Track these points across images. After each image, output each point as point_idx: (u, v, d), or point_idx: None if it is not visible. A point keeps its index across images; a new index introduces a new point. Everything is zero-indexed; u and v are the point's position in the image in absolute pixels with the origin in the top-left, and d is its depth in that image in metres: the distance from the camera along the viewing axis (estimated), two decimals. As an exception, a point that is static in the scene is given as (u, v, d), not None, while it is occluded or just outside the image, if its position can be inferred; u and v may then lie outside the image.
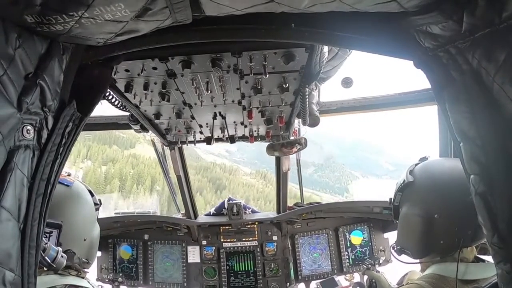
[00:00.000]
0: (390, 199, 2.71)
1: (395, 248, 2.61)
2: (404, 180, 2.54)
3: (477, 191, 1.50)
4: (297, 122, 3.71)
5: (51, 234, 2.28)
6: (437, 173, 2.43)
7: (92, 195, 2.75)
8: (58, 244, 2.28)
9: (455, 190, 2.23)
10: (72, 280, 2.42)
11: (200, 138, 3.92)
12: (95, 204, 2.75)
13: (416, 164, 2.59)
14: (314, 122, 3.32)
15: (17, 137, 1.40)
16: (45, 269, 2.18)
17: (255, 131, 3.74)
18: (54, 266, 2.17)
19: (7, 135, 1.33)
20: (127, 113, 3.38)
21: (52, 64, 1.53)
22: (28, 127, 1.45)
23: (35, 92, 1.44)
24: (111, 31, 1.46)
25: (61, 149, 1.64)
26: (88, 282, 2.56)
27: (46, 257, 2.12)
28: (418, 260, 2.54)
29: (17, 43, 1.34)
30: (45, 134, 1.56)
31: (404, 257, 2.60)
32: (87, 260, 2.60)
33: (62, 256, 2.22)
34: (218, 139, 3.96)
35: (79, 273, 2.56)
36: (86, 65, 1.87)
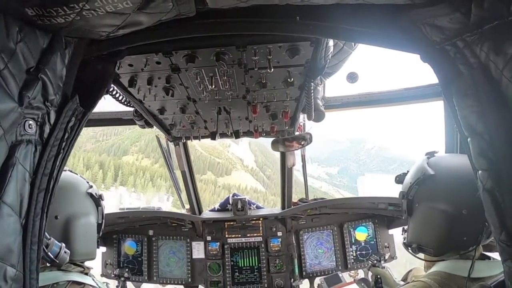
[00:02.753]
0: (402, 192, 2.59)
1: (412, 246, 2.48)
2: (424, 173, 2.42)
3: (484, 187, 1.47)
4: (302, 118, 3.70)
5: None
6: (462, 167, 2.30)
7: (90, 186, 2.74)
8: None
9: None
10: (75, 276, 2.41)
11: (205, 134, 3.90)
12: (91, 195, 2.70)
13: (428, 158, 2.51)
14: (319, 118, 3.30)
15: (18, 131, 1.39)
16: (48, 264, 2.18)
17: (260, 126, 3.72)
18: (57, 261, 2.17)
19: (8, 130, 1.32)
20: (132, 109, 3.37)
21: (54, 58, 1.52)
22: (30, 122, 1.45)
23: (37, 87, 1.43)
24: (113, 24, 1.45)
25: (64, 144, 1.63)
26: (93, 279, 2.55)
27: (49, 253, 2.12)
28: (436, 258, 2.41)
29: (18, 37, 1.33)
30: (47, 129, 1.55)
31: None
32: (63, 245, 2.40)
33: (65, 252, 2.22)
34: (223, 135, 3.94)
35: (83, 269, 2.56)
36: (89, 60, 1.86)
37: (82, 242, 2.56)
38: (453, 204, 2.24)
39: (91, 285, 2.45)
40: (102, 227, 2.81)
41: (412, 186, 2.48)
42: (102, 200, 2.78)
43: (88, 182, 2.77)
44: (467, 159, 2.32)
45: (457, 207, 2.22)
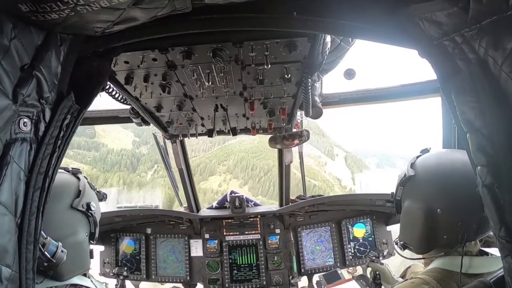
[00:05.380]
0: (392, 193, 2.66)
1: (398, 243, 2.56)
2: (405, 174, 2.48)
3: (484, 183, 1.46)
4: (299, 114, 3.69)
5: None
6: (438, 166, 2.37)
7: (77, 195, 2.48)
8: None
9: (457, 184, 2.19)
10: (75, 278, 2.38)
11: (202, 131, 3.90)
12: (76, 209, 2.47)
13: (418, 157, 2.53)
14: (316, 114, 3.30)
15: (13, 129, 1.38)
16: (45, 264, 2.15)
17: (257, 123, 3.72)
18: (54, 261, 2.15)
19: (3, 128, 1.30)
20: (128, 106, 3.36)
21: (49, 55, 1.50)
22: (25, 120, 1.43)
23: (31, 84, 1.41)
24: (108, 20, 1.43)
25: (59, 142, 1.61)
26: (91, 280, 2.52)
27: (45, 252, 2.10)
28: (421, 256, 2.49)
29: (12, 34, 1.31)
30: (42, 127, 1.53)
31: (407, 252, 2.56)
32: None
33: (62, 251, 2.19)
34: (220, 132, 3.95)
35: None
36: (84, 57, 1.84)
37: (71, 263, 2.33)
38: (428, 204, 2.29)
39: (89, 287, 2.43)
40: (96, 235, 2.61)
41: (398, 187, 2.56)
42: (91, 210, 2.53)
43: (79, 183, 2.55)
44: (450, 157, 2.38)
45: (432, 206, 2.27)
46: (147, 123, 3.60)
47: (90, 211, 2.51)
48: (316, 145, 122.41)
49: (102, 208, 2.83)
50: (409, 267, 3.06)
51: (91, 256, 2.61)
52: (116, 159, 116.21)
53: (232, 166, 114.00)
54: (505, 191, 1.40)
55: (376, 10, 1.65)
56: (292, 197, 5.53)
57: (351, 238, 5.38)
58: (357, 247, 5.36)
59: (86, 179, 2.68)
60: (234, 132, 3.88)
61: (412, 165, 2.48)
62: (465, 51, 1.45)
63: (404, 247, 2.52)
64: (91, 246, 2.63)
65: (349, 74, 3.56)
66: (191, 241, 5.47)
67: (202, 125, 3.69)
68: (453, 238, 2.20)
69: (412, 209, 2.40)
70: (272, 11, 1.75)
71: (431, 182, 2.33)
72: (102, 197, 2.79)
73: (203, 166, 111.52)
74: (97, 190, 2.76)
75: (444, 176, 2.27)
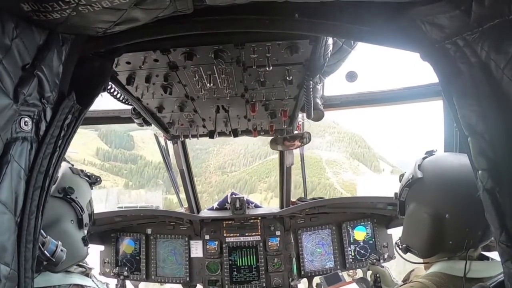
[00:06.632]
0: (396, 193, 2.63)
1: (400, 246, 2.53)
2: (412, 175, 2.44)
3: (484, 187, 1.46)
4: (300, 117, 3.69)
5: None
6: (448, 170, 2.31)
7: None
8: None
9: (467, 189, 2.12)
10: (77, 278, 2.39)
11: (203, 132, 3.91)
12: (92, 180, 2.51)
13: (424, 158, 2.50)
14: (318, 116, 3.28)
15: (14, 129, 1.38)
16: (44, 263, 2.15)
17: (258, 125, 3.72)
18: (53, 260, 2.15)
19: (4, 127, 1.31)
20: (130, 107, 3.36)
21: (50, 55, 1.51)
22: (26, 119, 1.43)
23: (33, 83, 1.42)
24: (109, 20, 1.43)
25: (60, 141, 1.62)
26: (93, 280, 2.52)
27: (45, 251, 2.10)
28: (422, 260, 2.47)
29: (14, 33, 1.32)
30: (43, 126, 1.54)
31: (409, 255, 2.53)
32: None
33: (61, 250, 2.19)
34: (221, 133, 3.95)
35: (85, 270, 2.53)
36: (86, 57, 1.85)
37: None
38: (436, 208, 2.25)
39: (91, 287, 2.43)
40: (86, 220, 2.52)
41: (403, 188, 2.51)
42: (71, 194, 2.43)
43: None
44: (459, 161, 2.35)
45: (440, 211, 2.23)
46: (148, 124, 3.60)
47: (68, 196, 2.44)
48: (362, 160, 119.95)
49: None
50: (413, 270, 3.04)
51: (85, 244, 2.53)
52: (153, 172, 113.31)
53: (274, 184, 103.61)
54: (506, 196, 1.39)
55: (378, 13, 1.65)
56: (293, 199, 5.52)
57: (352, 241, 5.37)
58: (357, 250, 5.35)
59: (70, 163, 2.61)
60: (235, 133, 3.88)
61: (419, 167, 2.44)
62: (467, 55, 1.45)
63: (406, 250, 2.49)
64: (89, 242, 2.58)
65: (351, 76, 3.55)
66: (191, 242, 5.46)
67: (204, 126, 3.69)
68: (459, 244, 2.17)
69: (418, 213, 2.35)
70: (274, 13, 1.75)
71: (440, 186, 2.29)
72: (95, 180, 2.70)
73: (243, 183, 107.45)
74: (87, 173, 2.68)
75: (454, 181, 2.23)
